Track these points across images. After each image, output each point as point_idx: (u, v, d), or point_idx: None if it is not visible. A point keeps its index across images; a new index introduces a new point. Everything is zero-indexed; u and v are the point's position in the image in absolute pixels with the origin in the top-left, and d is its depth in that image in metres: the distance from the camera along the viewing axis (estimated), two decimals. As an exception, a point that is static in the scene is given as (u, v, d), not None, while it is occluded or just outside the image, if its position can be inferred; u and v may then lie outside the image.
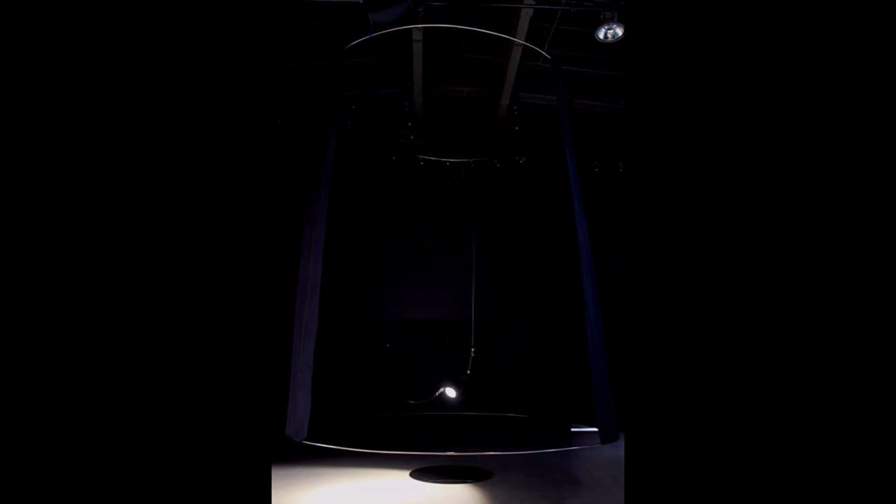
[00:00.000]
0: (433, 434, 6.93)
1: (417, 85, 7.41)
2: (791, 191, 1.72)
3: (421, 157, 8.16)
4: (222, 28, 1.93)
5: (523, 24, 6.24)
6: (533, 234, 8.14)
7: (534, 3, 5.99)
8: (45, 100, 1.75)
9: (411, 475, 4.81)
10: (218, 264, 1.87)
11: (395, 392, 7.84)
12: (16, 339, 1.65)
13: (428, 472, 4.93)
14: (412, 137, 8.02)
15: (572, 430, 7.17)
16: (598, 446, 5.80)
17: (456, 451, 5.61)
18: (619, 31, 5.86)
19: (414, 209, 8.43)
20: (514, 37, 6.40)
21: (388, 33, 6.45)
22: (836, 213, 1.66)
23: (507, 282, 8.39)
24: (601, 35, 5.94)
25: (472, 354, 7.01)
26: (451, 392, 7.01)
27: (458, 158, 8.26)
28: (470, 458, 5.40)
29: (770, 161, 1.75)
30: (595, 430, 6.07)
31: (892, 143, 1.63)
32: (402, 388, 7.94)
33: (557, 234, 7.61)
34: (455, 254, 8.28)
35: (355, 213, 7.90)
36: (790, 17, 1.76)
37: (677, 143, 1.89)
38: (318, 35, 6.82)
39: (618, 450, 5.59)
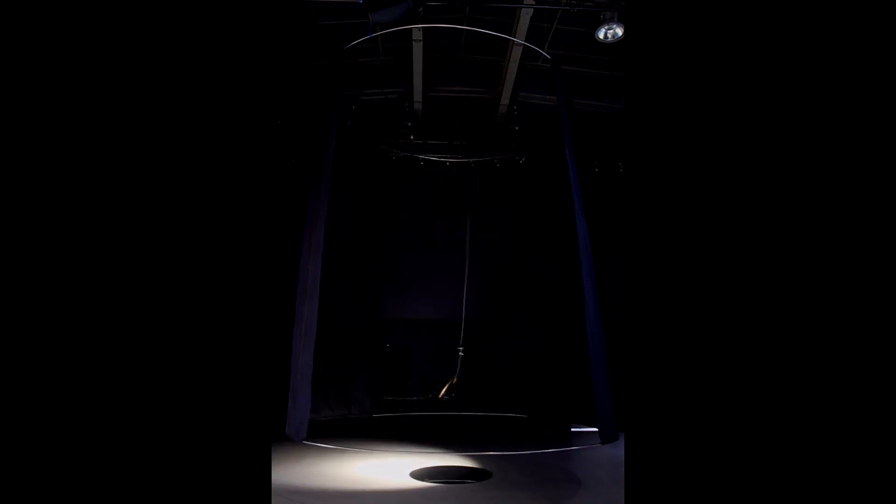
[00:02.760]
0: (433, 434, 6.93)
1: (417, 85, 7.41)
2: (791, 190, 1.72)
3: (421, 157, 8.16)
4: (223, 28, 1.93)
5: (523, 24, 6.24)
6: (533, 234, 8.14)
7: (534, 3, 5.99)
8: (46, 101, 1.75)
9: (411, 475, 4.81)
10: (218, 264, 1.87)
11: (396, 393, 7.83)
12: (17, 339, 1.65)
13: (428, 472, 4.93)
14: (412, 137, 8.02)
15: (572, 430, 7.17)
16: (598, 446, 5.80)
17: (456, 451, 5.61)
18: (619, 31, 5.86)
19: (414, 209, 8.43)
20: (514, 37, 6.40)
21: (388, 33, 6.47)
22: (836, 212, 1.66)
23: (507, 281, 8.38)
24: (601, 35, 5.94)
25: (461, 354, 6.94)
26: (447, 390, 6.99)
27: (458, 158, 8.26)
28: (470, 458, 5.40)
29: (770, 161, 1.75)
30: (595, 430, 6.08)
31: (892, 143, 1.63)
32: (402, 388, 7.94)
33: (557, 234, 7.61)
34: (455, 254, 8.29)
35: (355, 212, 7.90)
36: (790, 17, 1.76)
37: (677, 142, 1.89)
38: (318, 35, 6.82)
39: (618, 450, 5.59)
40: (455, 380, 6.95)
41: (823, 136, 1.70)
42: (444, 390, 6.90)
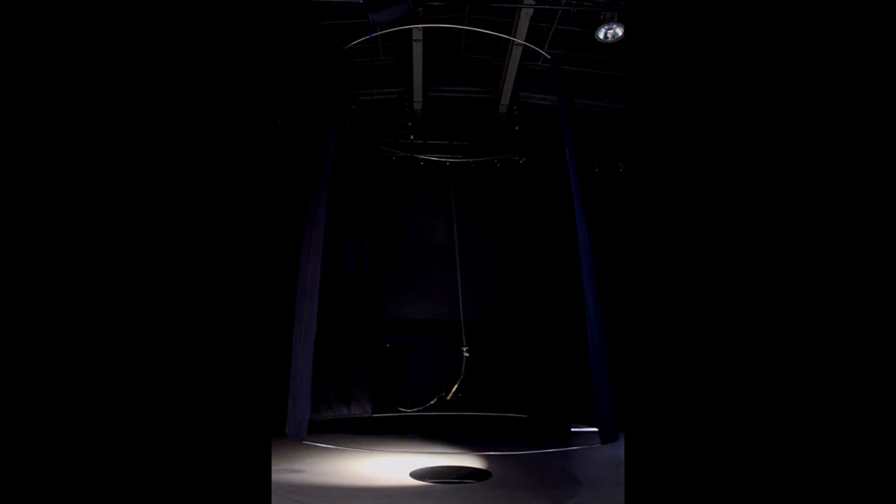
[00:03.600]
0: (433, 434, 6.93)
1: (417, 85, 7.41)
2: (791, 191, 1.72)
3: (421, 157, 8.16)
4: (223, 28, 1.93)
5: (523, 24, 6.24)
6: (533, 234, 8.13)
7: (534, 3, 5.98)
8: (46, 101, 1.75)
9: (411, 475, 4.81)
10: (218, 264, 1.87)
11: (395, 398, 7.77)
12: (16, 339, 1.65)
13: (428, 472, 4.93)
14: (412, 137, 8.01)
15: (572, 430, 7.17)
16: (598, 446, 5.80)
17: (456, 451, 5.61)
18: (619, 31, 5.85)
19: (413, 209, 8.42)
20: (514, 37, 6.40)
21: (388, 33, 6.46)
22: (836, 213, 1.66)
23: (507, 281, 8.38)
24: (601, 35, 5.94)
25: (466, 355, 6.88)
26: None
27: (459, 158, 8.25)
28: (470, 458, 5.40)
29: (770, 161, 1.75)
30: (595, 430, 6.07)
31: (891, 143, 1.63)
32: (401, 394, 7.92)
33: (557, 234, 7.60)
34: (455, 254, 8.28)
35: (355, 212, 7.89)
36: (790, 17, 1.76)
37: (677, 142, 1.89)
38: (318, 35, 6.82)
39: (618, 450, 5.59)
40: (461, 380, 6.92)
41: (823, 135, 1.70)
42: (452, 392, 6.84)
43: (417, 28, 6.23)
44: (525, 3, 5.98)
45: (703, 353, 1.78)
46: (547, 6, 6.12)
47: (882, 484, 1.54)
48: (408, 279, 8.29)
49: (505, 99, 7.72)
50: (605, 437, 5.74)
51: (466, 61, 7.77)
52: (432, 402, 7.40)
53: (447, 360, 8.03)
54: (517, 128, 7.99)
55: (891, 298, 1.59)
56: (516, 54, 6.90)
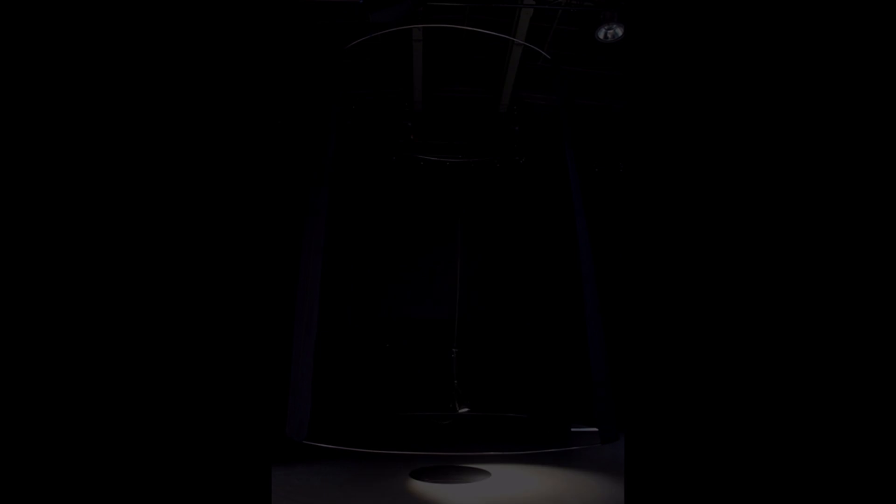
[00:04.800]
0: (433, 434, 6.93)
1: (417, 85, 7.40)
2: (791, 191, 1.72)
3: (421, 157, 8.16)
4: (223, 28, 1.93)
5: (523, 24, 6.24)
6: (533, 235, 8.13)
7: (534, 3, 5.98)
8: (44, 100, 1.75)
9: (411, 475, 4.81)
10: (218, 265, 1.87)
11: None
12: (15, 340, 1.65)
13: (428, 472, 4.93)
14: (412, 137, 8.02)
15: (572, 430, 7.17)
16: (598, 446, 5.80)
17: (456, 451, 5.61)
18: (619, 31, 5.85)
19: (414, 209, 8.43)
20: (514, 37, 6.40)
21: (389, 33, 6.46)
22: (836, 213, 1.66)
23: (507, 281, 8.39)
24: (601, 35, 5.93)
25: (454, 356, 6.88)
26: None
27: (459, 158, 8.26)
28: (470, 458, 5.40)
29: (770, 161, 1.75)
30: (595, 430, 6.07)
31: (891, 143, 1.63)
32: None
33: (558, 234, 7.61)
34: (455, 254, 8.29)
35: (355, 212, 7.89)
36: (790, 17, 1.76)
37: (677, 143, 1.89)
38: (318, 35, 6.82)
39: (618, 450, 5.59)
40: (456, 383, 6.91)
41: (823, 135, 1.70)
42: (458, 403, 6.84)
43: (417, 28, 6.22)
44: (525, 3, 5.97)
45: (703, 352, 1.78)
46: (547, 6, 6.11)
47: (881, 483, 1.54)
48: (408, 279, 8.30)
49: (505, 99, 7.72)
50: (605, 437, 5.74)
51: (466, 61, 7.77)
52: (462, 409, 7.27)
53: (447, 360, 8.04)
54: (517, 128, 7.99)
55: (890, 299, 1.59)
56: (516, 54, 6.90)
